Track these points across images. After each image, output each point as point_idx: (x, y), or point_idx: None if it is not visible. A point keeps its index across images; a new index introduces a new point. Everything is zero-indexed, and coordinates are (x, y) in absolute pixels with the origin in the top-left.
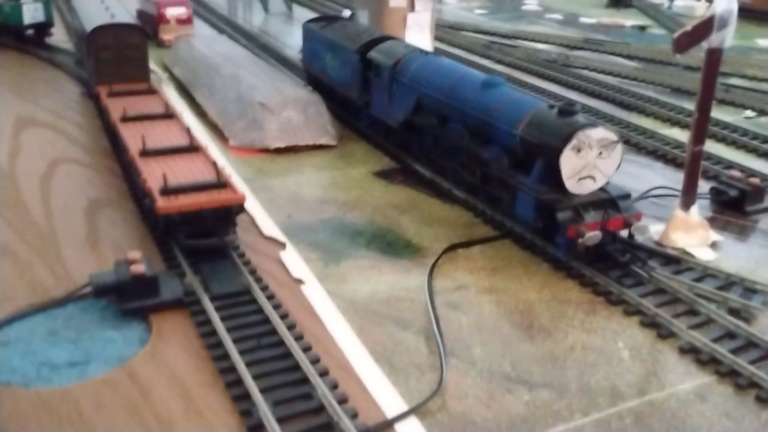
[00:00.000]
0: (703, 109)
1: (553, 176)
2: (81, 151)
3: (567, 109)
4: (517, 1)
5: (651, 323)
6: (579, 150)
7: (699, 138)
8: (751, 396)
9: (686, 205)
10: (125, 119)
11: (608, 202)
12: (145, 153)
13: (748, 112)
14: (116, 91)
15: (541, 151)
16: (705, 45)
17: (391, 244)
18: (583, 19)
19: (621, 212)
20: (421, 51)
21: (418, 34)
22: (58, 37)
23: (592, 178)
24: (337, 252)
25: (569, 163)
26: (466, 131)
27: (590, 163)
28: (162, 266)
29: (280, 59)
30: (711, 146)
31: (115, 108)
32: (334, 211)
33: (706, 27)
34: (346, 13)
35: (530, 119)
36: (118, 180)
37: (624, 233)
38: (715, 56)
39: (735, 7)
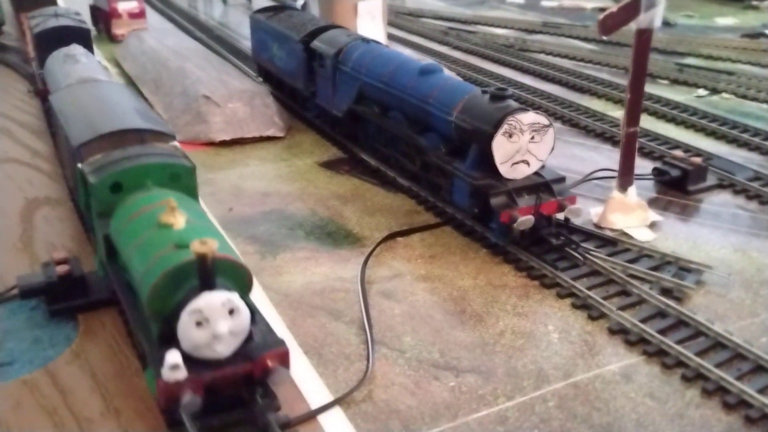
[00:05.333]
0: (636, 90)
1: (487, 162)
2: (23, 150)
3: (498, 94)
4: None
5: (583, 305)
6: (511, 135)
7: (633, 119)
8: (677, 375)
9: (623, 186)
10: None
11: (542, 186)
12: None
13: (700, 91)
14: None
15: (474, 136)
16: (634, 26)
17: (331, 235)
18: (545, 3)
19: (555, 196)
20: (364, 39)
21: (370, 23)
22: (11, 37)
23: (526, 162)
24: (275, 244)
25: (501, 148)
26: (405, 119)
27: (523, 148)
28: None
29: (235, 51)
30: (660, 126)
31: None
32: (276, 204)
33: (633, 8)
34: (299, 2)
35: (464, 105)
36: (58, 179)
37: (560, 216)
38: (644, 36)
39: None
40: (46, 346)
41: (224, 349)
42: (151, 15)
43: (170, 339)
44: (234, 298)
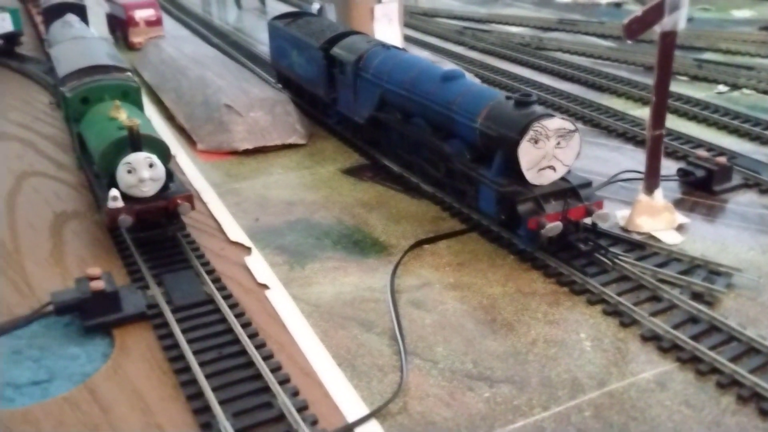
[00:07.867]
0: (661, 93)
1: (513, 168)
2: (48, 163)
3: (523, 100)
4: None
5: (614, 311)
6: (536, 141)
7: (658, 122)
8: (711, 382)
9: (650, 188)
10: None
11: (569, 191)
12: None
13: (721, 87)
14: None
15: (499, 143)
16: (657, 29)
17: (358, 243)
18: None
19: (582, 201)
20: (384, 45)
21: (387, 26)
22: (29, 46)
23: (552, 168)
24: (303, 254)
25: (527, 154)
26: (428, 126)
27: (549, 154)
28: (126, 279)
29: (252, 57)
30: (681, 125)
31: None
32: (301, 213)
33: (657, 11)
34: (315, 6)
35: (488, 111)
36: (84, 191)
37: (587, 221)
38: (668, 40)
39: None
40: (84, 362)
41: (148, 189)
42: (167, 21)
43: (114, 186)
44: (153, 157)
